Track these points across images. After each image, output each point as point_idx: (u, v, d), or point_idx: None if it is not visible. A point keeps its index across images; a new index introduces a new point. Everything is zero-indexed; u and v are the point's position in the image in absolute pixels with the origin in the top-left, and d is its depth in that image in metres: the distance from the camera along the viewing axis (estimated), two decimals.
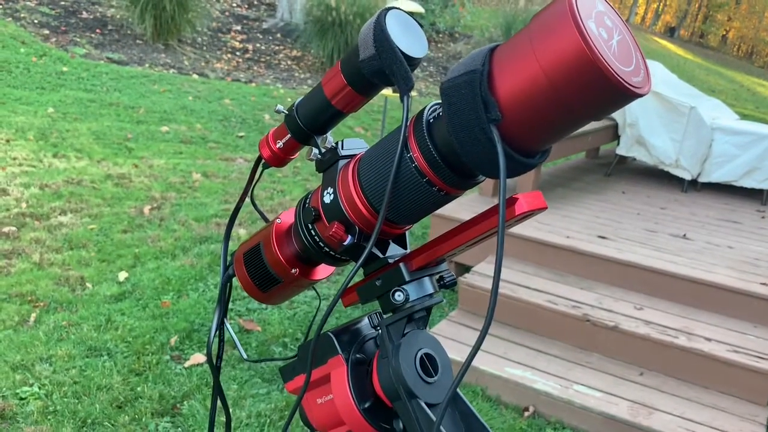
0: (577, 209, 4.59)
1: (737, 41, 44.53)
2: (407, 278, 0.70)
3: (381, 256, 0.73)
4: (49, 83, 7.80)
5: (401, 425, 0.75)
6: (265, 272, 0.81)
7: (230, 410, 0.89)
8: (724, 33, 43.13)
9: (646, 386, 3.00)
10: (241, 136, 7.29)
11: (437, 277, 0.74)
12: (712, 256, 3.84)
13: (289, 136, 0.79)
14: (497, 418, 2.93)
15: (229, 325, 0.88)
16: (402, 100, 0.66)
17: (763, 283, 3.44)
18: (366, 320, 0.81)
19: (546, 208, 0.62)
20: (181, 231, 4.58)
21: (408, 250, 0.76)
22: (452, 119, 0.57)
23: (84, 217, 4.57)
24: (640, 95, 0.51)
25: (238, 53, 11.15)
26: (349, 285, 0.73)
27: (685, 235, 4.23)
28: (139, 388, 2.82)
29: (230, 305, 3.64)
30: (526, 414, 2.92)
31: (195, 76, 9.42)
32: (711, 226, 4.54)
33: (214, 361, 0.88)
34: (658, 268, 3.56)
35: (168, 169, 5.88)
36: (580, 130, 3.89)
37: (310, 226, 0.74)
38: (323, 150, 0.75)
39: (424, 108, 0.64)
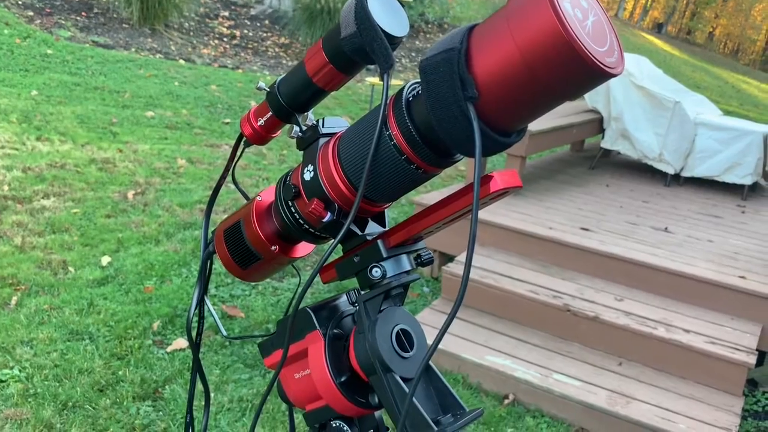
0: (561, 201, 4.63)
1: (723, 38, 44.86)
2: (384, 255, 0.71)
3: (359, 233, 0.74)
4: (33, 66, 7.70)
5: (376, 399, 0.76)
6: (245, 249, 0.82)
7: (209, 388, 0.89)
8: (711, 30, 43.42)
9: (625, 376, 3.04)
10: (227, 123, 7.26)
11: (415, 255, 0.75)
12: (692, 250, 3.89)
13: (270, 113, 0.79)
14: (477, 405, 2.96)
15: (209, 302, 0.88)
16: (382, 78, 0.67)
17: (742, 277, 3.49)
18: (344, 297, 0.82)
19: (521, 186, 0.63)
20: (165, 216, 4.56)
21: (387, 228, 0.77)
22: (430, 96, 0.57)
23: (67, 201, 4.54)
24: (614, 75, 0.52)
25: (225, 39, 11.07)
26: (327, 262, 0.73)
27: (666, 228, 4.28)
28: (120, 372, 2.81)
29: (214, 291, 3.65)
30: (506, 402, 2.95)
31: (181, 62, 9.35)
32: (692, 219, 4.60)
33: (194, 338, 0.88)
34: (639, 261, 3.60)
35: (153, 154, 5.84)
36: (566, 122, 3.90)
37: (290, 204, 0.75)
38: (304, 128, 0.76)
39: (404, 86, 0.64)
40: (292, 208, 0.75)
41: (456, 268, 3.60)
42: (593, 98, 5.75)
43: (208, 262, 0.88)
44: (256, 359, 3.05)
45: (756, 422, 3.05)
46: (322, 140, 0.73)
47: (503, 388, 2.98)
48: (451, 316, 0.56)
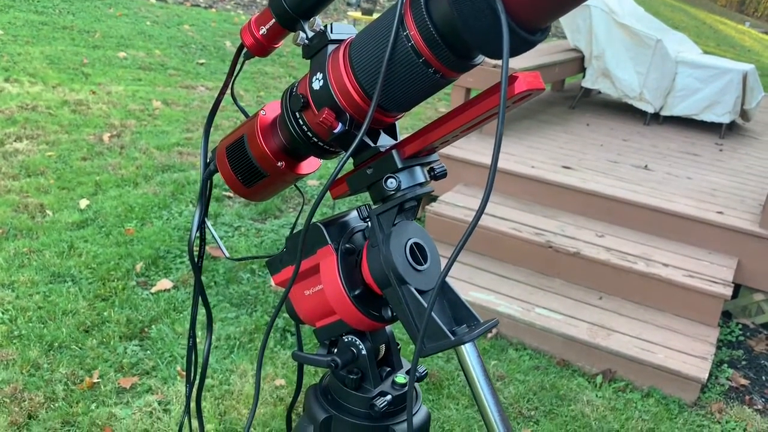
0: (542, 140, 4.62)
1: None
2: (399, 165, 0.69)
3: (372, 145, 0.72)
4: None
5: (390, 312, 0.76)
6: (249, 166, 0.79)
7: (211, 311, 0.88)
8: None
9: (605, 309, 3.11)
10: (202, 63, 7.08)
11: (428, 167, 0.74)
12: (671, 186, 3.93)
13: (273, 21, 0.75)
14: None
15: (210, 224, 0.86)
16: None
17: (719, 212, 3.55)
18: (354, 213, 0.80)
19: (544, 89, 0.61)
20: (143, 159, 4.48)
21: (398, 140, 0.75)
22: None
23: (41, 144, 4.43)
24: None
25: None
26: (339, 176, 0.71)
27: (646, 166, 4.31)
28: (105, 313, 2.80)
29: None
30: (489, 335, 3.01)
31: (153, 1, 9.04)
32: (671, 157, 4.63)
33: (196, 261, 0.87)
34: (620, 197, 3.64)
35: (127, 96, 5.70)
36: (548, 60, 3.83)
37: (298, 115, 0.72)
38: (311, 34, 0.72)
39: None
40: (300, 120, 0.73)
41: (440, 207, 3.60)
42: (575, 37, 5.69)
43: (209, 182, 0.86)
44: (242, 299, 3.06)
45: (729, 351, 3.15)
46: (330, 47, 0.69)
47: None
48: (478, 216, 0.55)
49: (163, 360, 2.57)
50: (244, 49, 0.79)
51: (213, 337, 2.74)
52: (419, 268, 0.70)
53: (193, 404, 1.09)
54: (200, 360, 2.45)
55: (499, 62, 0.56)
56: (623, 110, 5.82)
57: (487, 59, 0.62)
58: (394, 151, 0.69)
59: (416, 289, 0.68)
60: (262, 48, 0.78)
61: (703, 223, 3.46)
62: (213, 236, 0.90)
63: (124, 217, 3.66)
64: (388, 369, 0.82)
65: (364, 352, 0.77)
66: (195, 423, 1.87)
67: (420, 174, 0.72)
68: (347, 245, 0.76)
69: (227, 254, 0.92)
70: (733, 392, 2.85)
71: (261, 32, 0.77)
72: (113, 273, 3.10)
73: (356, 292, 0.73)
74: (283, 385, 2.51)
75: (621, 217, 3.63)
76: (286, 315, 2.98)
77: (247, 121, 0.81)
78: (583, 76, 5.80)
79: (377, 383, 0.78)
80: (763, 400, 2.84)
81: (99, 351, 2.57)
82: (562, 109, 5.77)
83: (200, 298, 0.87)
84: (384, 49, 0.62)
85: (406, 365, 0.83)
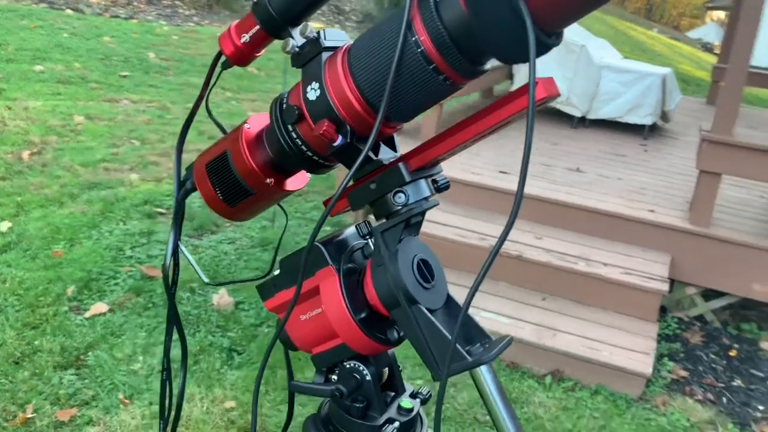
0: (478, 147, 4.68)
1: None
2: (408, 179, 0.65)
3: (374, 158, 0.68)
4: None
5: (396, 334, 0.72)
6: (234, 184, 0.74)
7: (186, 341, 0.82)
8: None
9: (549, 310, 3.16)
10: (125, 76, 6.83)
11: (431, 180, 0.70)
12: (603, 187, 4.05)
13: (257, 28, 0.70)
14: (409, 347, 2.99)
15: (183, 248, 0.80)
16: None
17: (651, 210, 3.67)
18: (350, 230, 0.76)
19: (559, 94, 0.59)
20: (67, 177, 4.26)
21: (398, 152, 0.72)
22: None
23: None
24: None
25: None
26: (338, 194, 0.67)
27: (578, 168, 4.43)
28: (36, 342, 2.63)
29: (129, 252, 3.47)
30: None
31: (69, 12, 8.67)
32: (601, 159, 4.78)
33: (170, 287, 0.80)
34: (556, 199, 3.72)
35: (46, 111, 5.42)
36: None
37: (291, 128, 0.68)
38: (302, 41, 0.68)
39: None
40: (294, 133, 0.68)
41: None
42: None
43: (183, 203, 0.79)
44: (182, 319, 2.94)
45: (668, 344, 3.26)
46: (325, 54, 0.65)
47: None
48: (503, 237, 0.52)
49: (104, 388, 2.43)
50: (222, 59, 0.73)
51: (155, 360, 2.62)
52: (427, 285, 0.67)
53: None
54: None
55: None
56: (551, 115, 5.98)
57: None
58: (401, 164, 0.66)
59: (426, 308, 0.65)
60: (243, 56, 0.73)
61: (637, 221, 3.57)
62: (188, 260, 0.84)
63: (50, 238, 3.46)
64: (392, 394, 0.78)
65: (368, 377, 0.72)
66: None
67: (425, 187, 0.69)
68: (348, 265, 0.71)
69: (205, 279, 0.86)
70: (674, 384, 2.95)
71: (243, 40, 0.71)
72: (42, 299, 2.92)
73: (362, 315, 0.69)
74: (233, 407, 2.42)
75: (558, 219, 3.71)
76: (231, 334, 2.88)
77: (228, 135, 0.76)
78: (512, 83, 5.92)
79: (383, 410, 0.74)
80: (702, 389, 2.94)
81: (32, 383, 2.41)
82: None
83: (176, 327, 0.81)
84: (390, 56, 0.58)
85: (408, 388, 0.80)
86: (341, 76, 0.63)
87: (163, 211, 4.03)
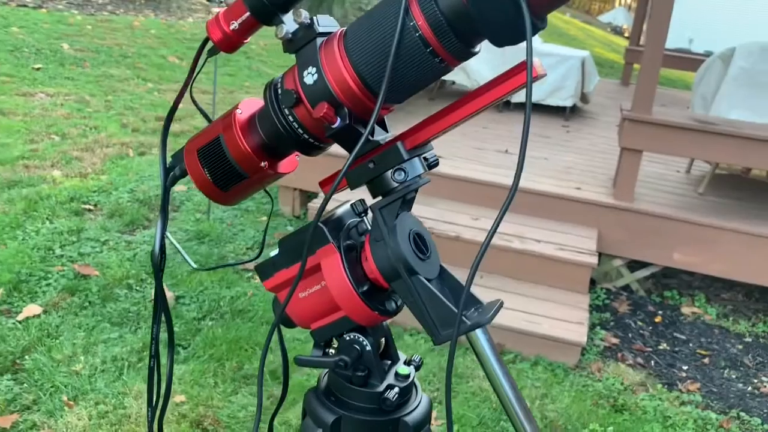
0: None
1: None
2: (406, 157, 0.69)
3: (371, 138, 0.70)
4: None
5: (394, 305, 0.75)
6: (228, 168, 0.75)
7: (172, 324, 0.81)
8: None
9: (489, 288, 3.26)
10: (38, 69, 6.52)
11: (422, 158, 0.74)
12: (532, 167, 4.20)
13: (247, 14, 0.71)
14: None
15: (171, 236, 0.80)
16: None
17: (577, 188, 3.84)
18: (345, 208, 0.78)
19: (545, 75, 0.64)
20: None
21: (389, 133, 0.74)
22: None
23: None
24: None
25: None
26: (332, 175, 0.69)
27: (507, 150, 4.57)
28: None
29: (59, 251, 3.35)
30: None
31: None
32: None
33: (158, 273, 0.80)
34: (489, 181, 3.83)
35: None
36: None
37: (287, 112, 0.69)
38: (294, 27, 0.69)
39: None
40: (290, 117, 0.70)
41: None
42: None
43: (169, 190, 0.79)
44: (122, 316, 2.87)
45: (599, 314, 3.43)
46: (319, 39, 0.67)
47: None
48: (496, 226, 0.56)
49: (45, 391, 2.35)
50: (209, 45, 0.74)
51: (98, 359, 2.56)
52: (423, 257, 0.71)
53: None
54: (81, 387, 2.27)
55: None
56: None
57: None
58: (399, 143, 0.69)
59: (425, 278, 0.69)
60: (231, 43, 0.73)
61: (565, 199, 3.73)
62: (175, 246, 0.84)
63: None
64: (389, 362, 0.81)
65: (368, 348, 0.76)
66: None
67: (419, 165, 0.72)
68: (348, 242, 0.74)
69: (194, 265, 0.86)
70: (607, 351, 3.12)
71: (232, 27, 0.72)
72: None
73: (364, 288, 0.72)
74: (183, 401, 2.39)
75: (492, 200, 3.82)
76: (174, 329, 2.83)
77: (219, 120, 0.76)
78: (452, 82, 6.02)
79: (383, 377, 0.78)
80: (633, 354, 3.12)
81: None
82: (422, 102, 5.95)
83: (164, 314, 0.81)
84: (388, 41, 0.61)
85: (402, 356, 0.83)
86: (339, 60, 0.65)
87: (91, 207, 3.90)
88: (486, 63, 5.63)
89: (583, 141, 5.18)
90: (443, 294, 0.71)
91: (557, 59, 5.64)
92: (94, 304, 2.94)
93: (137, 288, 3.13)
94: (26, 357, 2.52)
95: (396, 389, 0.75)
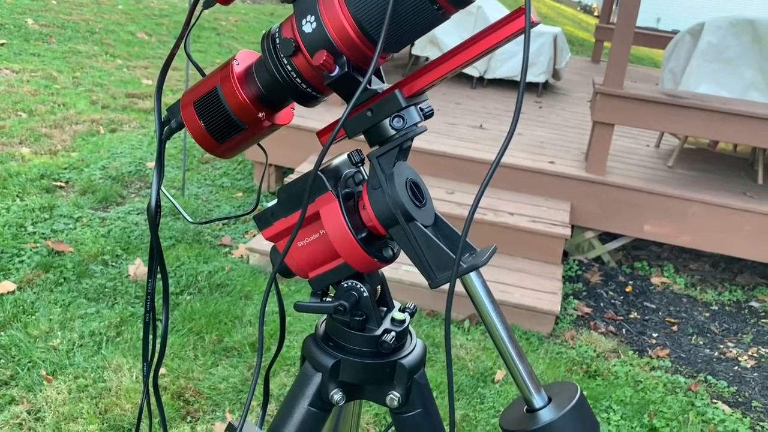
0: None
1: None
2: (404, 104, 0.70)
3: (369, 87, 0.72)
4: None
5: (390, 252, 0.77)
6: (225, 119, 0.75)
7: (167, 280, 0.83)
8: None
9: None
10: (2, 44, 6.35)
11: (418, 108, 0.75)
12: None
13: None
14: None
15: (166, 192, 0.81)
16: None
17: (551, 162, 3.90)
18: (342, 158, 0.80)
19: (540, 22, 0.66)
20: None
21: (385, 83, 0.76)
22: None
23: None
24: None
25: None
26: (329, 125, 0.70)
27: (481, 125, 4.60)
28: None
29: (31, 228, 3.30)
30: None
31: None
32: (501, 116, 4.98)
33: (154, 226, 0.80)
34: (463, 155, 3.86)
35: None
36: None
37: (286, 61, 0.70)
38: None
39: None
40: (288, 66, 0.71)
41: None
42: None
43: (165, 143, 0.80)
44: (98, 292, 2.85)
45: (572, 285, 3.51)
46: None
47: None
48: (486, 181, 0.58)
49: (22, 367, 2.34)
50: None
51: (75, 335, 2.55)
52: (419, 204, 0.73)
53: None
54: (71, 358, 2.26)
55: None
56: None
57: None
58: (397, 91, 0.70)
59: (422, 224, 0.71)
60: None
61: (539, 173, 3.78)
62: (171, 201, 0.85)
63: None
64: (385, 309, 0.84)
65: (366, 294, 0.78)
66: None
67: (415, 114, 0.74)
68: (345, 190, 0.76)
69: (189, 218, 0.87)
70: (580, 320, 3.19)
71: None
72: None
73: (362, 235, 0.74)
74: (163, 374, 2.40)
75: (466, 174, 3.86)
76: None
77: (215, 72, 0.77)
78: (412, 45, 6.01)
79: (380, 322, 0.80)
80: (605, 323, 3.20)
81: None
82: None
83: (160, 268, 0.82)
84: None
85: (397, 304, 0.86)
86: (337, 8, 0.66)
87: (62, 184, 3.85)
88: (457, 37, 5.63)
89: (556, 116, 5.24)
90: (439, 239, 0.73)
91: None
92: (69, 280, 2.92)
93: (113, 264, 3.11)
94: (2, 333, 2.50)
95: (393, 333, 0.78)
